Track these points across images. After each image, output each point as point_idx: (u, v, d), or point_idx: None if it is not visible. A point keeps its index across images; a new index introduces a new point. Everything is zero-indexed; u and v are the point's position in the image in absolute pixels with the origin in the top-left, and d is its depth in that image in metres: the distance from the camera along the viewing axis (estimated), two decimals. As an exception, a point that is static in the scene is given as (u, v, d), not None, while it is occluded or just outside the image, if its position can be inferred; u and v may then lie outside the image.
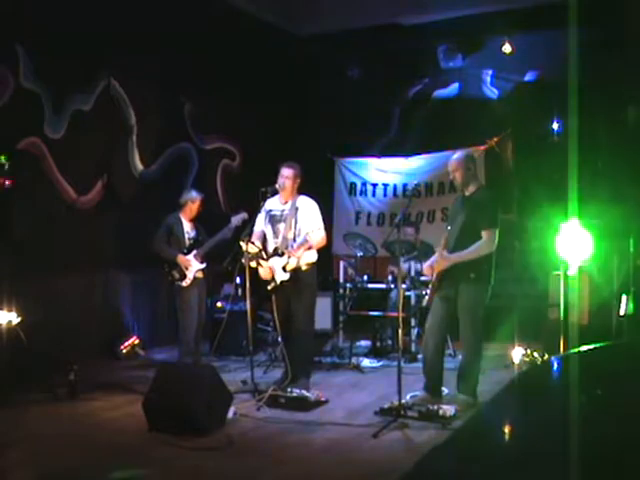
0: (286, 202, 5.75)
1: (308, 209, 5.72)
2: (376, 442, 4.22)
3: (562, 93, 6.96)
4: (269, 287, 5.62)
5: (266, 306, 7.06)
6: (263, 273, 5.66)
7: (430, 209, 8.91)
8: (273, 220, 5.77)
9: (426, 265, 5.23)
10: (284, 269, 5.55)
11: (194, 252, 6.23)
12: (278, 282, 5.58)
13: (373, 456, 4.00)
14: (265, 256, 5.66)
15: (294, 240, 5.63)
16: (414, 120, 9.31)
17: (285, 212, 5.72)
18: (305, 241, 5.57)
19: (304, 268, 5.65)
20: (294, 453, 4.06)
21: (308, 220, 5.66)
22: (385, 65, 9.31)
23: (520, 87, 8.79)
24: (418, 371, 5.42)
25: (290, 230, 5.66)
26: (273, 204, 5.78)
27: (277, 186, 5.67)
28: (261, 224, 5.83)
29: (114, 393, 5.51)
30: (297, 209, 5.70)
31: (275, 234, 5.75)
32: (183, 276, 6.16)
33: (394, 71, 9.27)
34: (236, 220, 6.12)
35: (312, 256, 5.72)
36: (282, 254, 5.57)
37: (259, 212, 5.72)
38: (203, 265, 6.25)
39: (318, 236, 5.65)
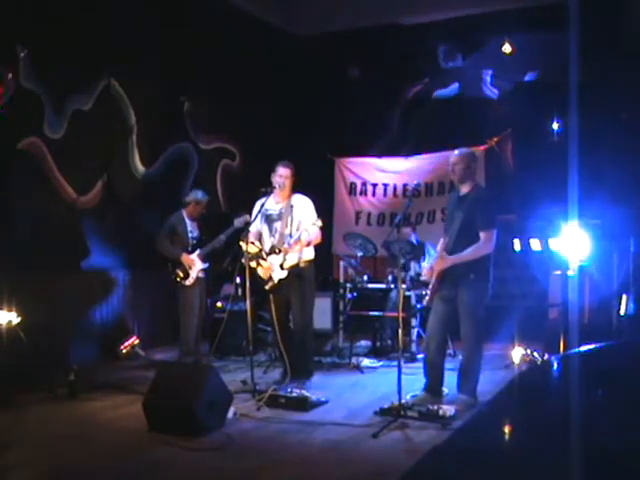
0: (281, 201, 5.77)
1: (303, 206, 5.74)
2: (376, 442, 4.21)
3: (562, 93, 6.94)
4: (266, 287, 5.64)
5: (266, 306, 7.07)
6: (261, 272, 5.67)
7: (430, 209, 8.91)
8: (269, 219, 5.79)
9: (426, 269, 5.23)
10: (281, 267, 5.57)
11: (197, 252, 6.25)
12: (276, 281, 5.60)
13: (373, 456, 3.99)
14: (265, 256, 5.68)
15: (290, 236, 5.63)
16: (414, 120, 9.31)
17: (281, 211, 5.74)
18: (301, 237, 5.56)
19: (302, 265, 5.67)
20: (294, 453, 4.06)
21: (304, 216, 5.68)
22: (385, 65, 9.31)
23: (520, 87, 8.79)
24: (418, 371, 5.41)
25: (287, 227, 5.67)
26: (268, 204, 5.77)
27: (277, 185, 5.68)
28: (257, 224, 5.84)
29: (114, 393, 5.50)
30: (292, 207, 5.72)
31: (271, 233, 5.77)
32: (186, 275, 6.18)
33: (394, 71, 9.27)
34: (238, 222, 6.13)
35: (310, 253, 5.75)
36: (279, 252, 5.58)
37: (257, 212, 5.73)
38: (206, 265, 6.27)
39: (314, 231, 5.63)
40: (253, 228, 5.81)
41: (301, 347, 5.70)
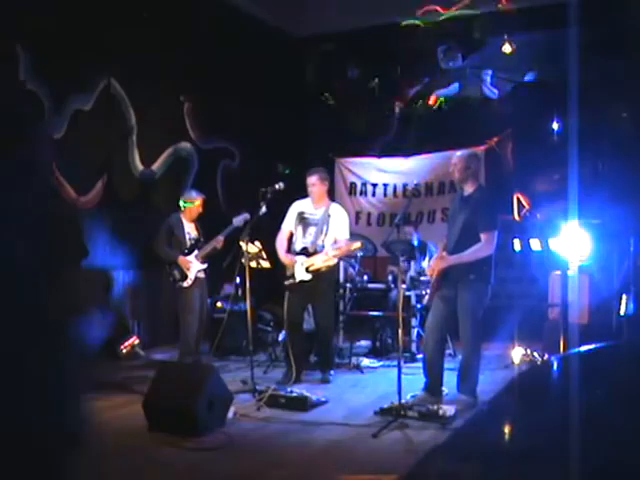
0: (318, 207, 5.88)
1: (340, 219, 5.89)
2: (376, 442, 4.21)
3: (562, 93, 6.97)
4: (286, 282, 5.73)
5: (266, 306, 7.08)
6: (288, 264, 5.80)
7: (430, 209, 8.91)
8: (305, 222, 5.91)
9: (428, 267, 5.26)
10: (307, 269, 5.66)
11: (195, 253, 6.24)
12: (297, 280, 5.69)
13: (373, 456, 3.99)
14: (265, 256, 5.76)
15: (322, 246, 5.77)
16: (414, 120, 9.31)
17: (318, 217, 5.87)
18: (337, 247, 5.74)
19: (325, 270, 5.79)
20: (294, 453, 4.06)
21: (339, 230, 5.83)
22: (385, 65, 9.31)
23: (520, 87, 8.79)
24: (418, 371, 5.42)
25: (321, 235, 5.80)
26: (305, 207, 5.95)
27: (309, 194, 5.85)
28: (290, 225, 5.96)
29: (114, 393, 5.50)
30: (329, 216, 5.83)
31: (305, 235, 5.88)
32: (184, 277, 6.17)
33: (394, 71, 9.27)
34: (237, 221, 6.13)
35: (332, 259, 5.87)
36: (309, 254, 5.71)
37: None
38: (204, 265, 6.26)
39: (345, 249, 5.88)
40: (286, 228, 5.97)
41: (326, 345, 6.02)
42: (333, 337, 6.33)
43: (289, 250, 5.91)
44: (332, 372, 6.08)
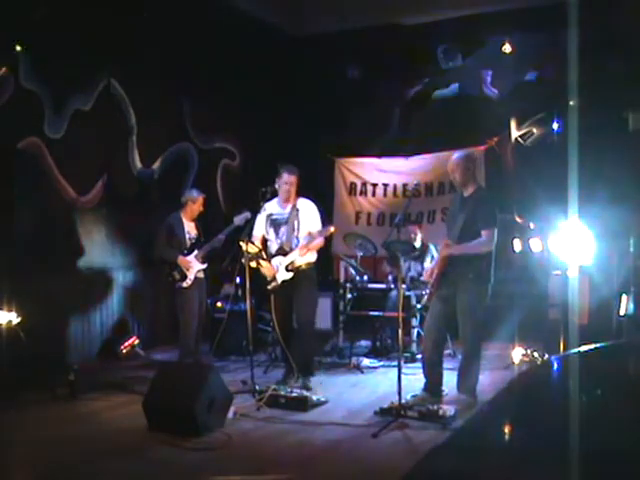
0: (286, 205, 5.83)
1: (309, 211, 5.82)
2: (376, 442, 4.22)
3: (562, 93, 6.97)
4: (269, 286, 5.69)
5: (266, 306, 7.07)
6: (266, 270, 5.71)
7: (430, 209, 8.90)
8: (275, 223, 5.86)
9: (427, 270, 5.26)
10: (287, 268, 5.63)
11: (195, 252, 6.23)
12: (279, 282, 5.65)
13: (373, 456, 3.99)
14: (265, 256, 5.74)
15: (297, 239, 5.74)
16: (414, 120, 9.30)
17: (287, 215, 5.81)
18: (311, 239, 5.64)
19: (304, 267, 5.75)
20: (294, 453, 4.06)
21: (310, 221, 5.77)
22: (385, 65, 9.30)
23: (520, 87, 8.78)
24: (418, 371, 5.42)
25: (294, 232, 5.76)
26: (273, 208, 5.87)
27: (282, 192, 5.76)
28: (262, 228, 5.89)
29: (114, 393, 5.51)
30: (298, 210, 5.78)
31: (278, 236, 5.83)
32: (184, 277, 6.16)
33: (394, 71, 9.26)
34: (239, 220, 6.12)
35: (312, 256, 5.82)
36: (286, 253, 5.64)
37: (259, 213, 5.76)
38: (204, 265, 6.26)
39: (321, 238, 5.74)
40: (257, 232, 5.89)
41: (303, 346, 5.75)
42: (314, 336, 5.96)
43: (265, 251, 5.87)
44: (309, 382, 5.68)
